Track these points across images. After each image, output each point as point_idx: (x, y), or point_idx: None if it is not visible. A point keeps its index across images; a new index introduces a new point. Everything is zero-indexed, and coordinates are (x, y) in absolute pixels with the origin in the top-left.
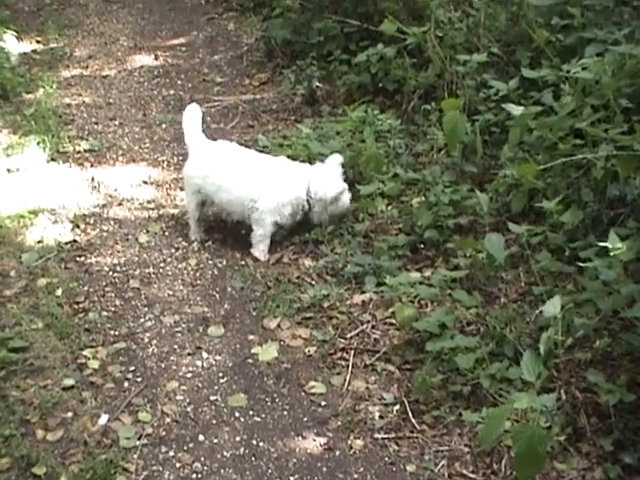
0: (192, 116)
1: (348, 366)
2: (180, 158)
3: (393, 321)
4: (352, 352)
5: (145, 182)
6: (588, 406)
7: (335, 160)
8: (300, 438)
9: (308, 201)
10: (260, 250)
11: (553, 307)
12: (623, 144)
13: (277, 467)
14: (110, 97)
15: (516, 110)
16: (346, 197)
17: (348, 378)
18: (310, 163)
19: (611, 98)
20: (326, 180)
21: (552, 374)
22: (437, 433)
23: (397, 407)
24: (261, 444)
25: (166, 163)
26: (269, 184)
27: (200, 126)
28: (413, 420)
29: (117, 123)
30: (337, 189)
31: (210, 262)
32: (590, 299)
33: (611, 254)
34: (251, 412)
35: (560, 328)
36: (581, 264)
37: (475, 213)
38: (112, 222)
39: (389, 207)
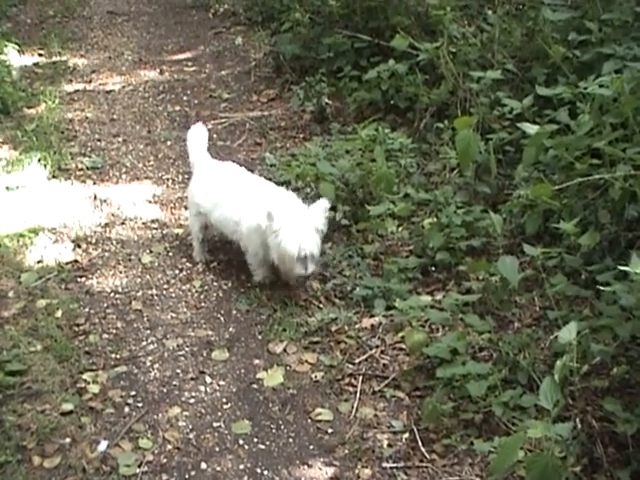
0: (197, 135)
1: (356, 392)
2: (185, 176)
3: (403, 346)
4: (360, 378)
5: (149, 201)
6: (605, 436)
7: (320, 206)
8: (306, 467)
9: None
10: (258, 274)
11: (569, 333)
12: None
13: None
14: (114, 113)
15: (531, 129)
16: (289, 241)
17: (356, 405)
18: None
19: (630, 116)
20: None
21: (567, 402)
22: (447, 462)
23: (406, 435)
24: (265, 473)
25: (171, 181)
26: (250, 206)
27: (205, 145)
28: (423, 449)
29: (121, 140)
30: (267, 219)
31: (215, 284)
32: (607, 325)
33: (633, 279)
34: (255, 439)
35: (576, 354)
36: (598, 288)
37: (488, 235)
38: (114, 242)
39: (400, 228)
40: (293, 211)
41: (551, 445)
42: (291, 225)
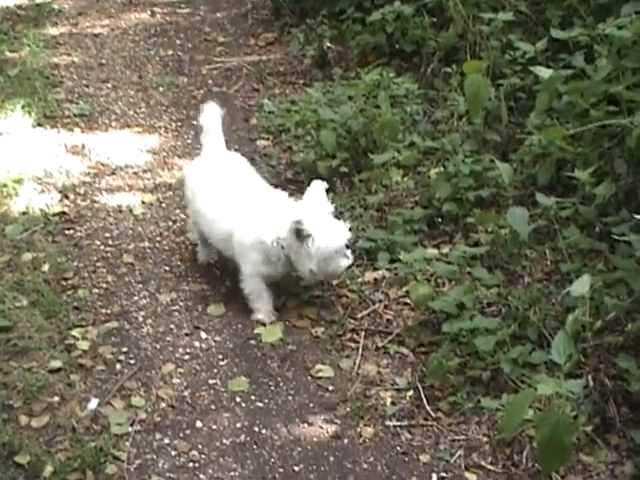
0: (212, 117)
1: (358, 348)
2: (179, 124)
3: (407, 300)
4: (363, 333)
5: (140, 149)
6: (618, 394)
7: (317, 188)
8: (306, 425)
9: (283, 248)
10: (260, 310)
11: (581, 286)
12: None
13: (280, 456)
14: (102, 57)
15: (545, 73)
16: (324, 238)
17: (358, 361)
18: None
19: None
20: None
21: (579, 360)
22: (453, 421)
23: (410, 393)
24: (263, 431)
25: (163, 129)
26: (254, 218)
27: (220, 130)
28: (427, 407)
29: (110, 86)
30: (290, 224)
31: None
32: (622, 278)
33: None
34: (253, 397)
35: (588, 309)
36: (613, 241)
37: (498, 185)
38: (104, 192)
39: (405, 178)
40: (301, 208)
41: (562, 402)
42: (316, 222)
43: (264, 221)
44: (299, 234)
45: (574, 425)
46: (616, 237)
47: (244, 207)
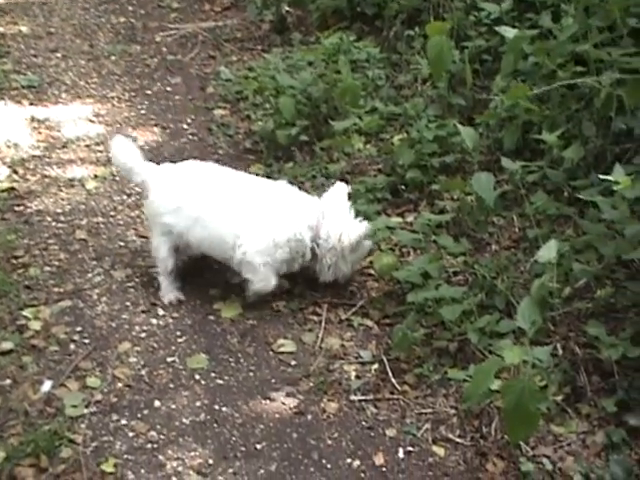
0: (123, 153)
1: (321, 322)
2: (132, 94)
3: (371, 271)
4: (325, 306)
5: (92, 121)
6: (588, 363)
7: (341, 190)
8: (268, 402)
9: (313, 248)
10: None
11: (548, 252)
12: (632, 67)
13: (242, 434)
14: (51, 26)
15: (510, 33)
16: (368, 242)
17: (321, 335)
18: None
19: (618, 18)
20: (343, 220)
21: (548, 328)
22: (420, 394)
23: (375, 366)
24: (224, 409)
25: (116, 99)
26: (259, 216)
27: (140, 157)
28: (393, 380)
29: (59, 55)
30: (359, 232)
31: None
32: (591, 244)
33: (615, 188)
34: (213, 374)
35: (556, 275)
36: (582, 206)
37: (463, 151)
38: (55, 166)
39: (367, 145)
40: (334, 204)
41: (528, 369)
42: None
43: (289, 217)
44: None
45: (540, 393)
46: (583, 198)
47: (250, 208)
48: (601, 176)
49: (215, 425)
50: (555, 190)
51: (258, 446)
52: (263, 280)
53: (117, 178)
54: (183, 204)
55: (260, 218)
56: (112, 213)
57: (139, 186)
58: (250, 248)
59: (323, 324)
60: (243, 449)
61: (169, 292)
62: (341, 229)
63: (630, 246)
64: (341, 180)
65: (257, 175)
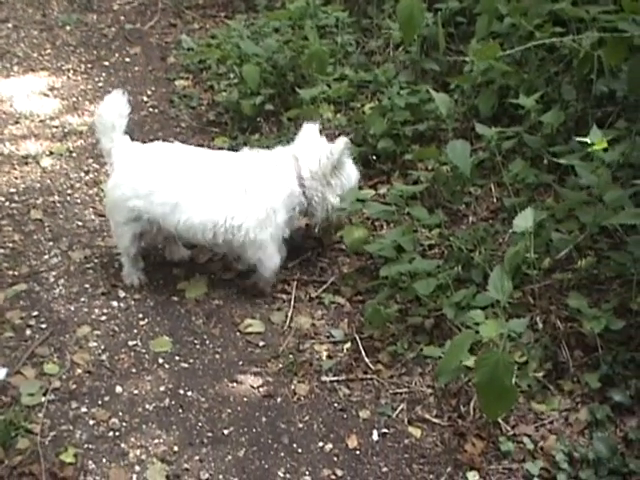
0: (113, 111)
1: (290, 300)
2: (89, 65)
3: (342, 247)
4: (295, 284)
5: (47, 95)
6: (570, 337)
7: (310, 130)
8: (235, 385)
9: (304, 192)
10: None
11: (524, 220)
12: (612, 25)
13: (209, 419)
14: None
15: None
16: (350, 162)
17: (290, 314)
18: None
19: None
20: (318, 147)
21: (528, 301)
22: (395, 373)
23: (348, 345)
24: (189, 393)
25: (72, 72)
26: (246, 189)
27: (124, 125)
28: (366, 359)
29: (10, 25)
30: (337, 147)
31: None
32: (571, 213)
33: (589, 150)
34: (177, 357)
35: (533, 245)
36: (562, 172)
37: (437, 118)
38: (8, 143)
39: (337, 114)
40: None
41: (504, 342)
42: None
43: (273, 177)
44: (342, 158)
45: (515, 365)
46: (562, 163)
47: (238, 176)
48: (577, 138)
49: (180, 410)
50: (534, 157)
51: (225, 431)
52: (272, 255)
53: (74, 154)
54: (156, 188)
55: (248, 190)
56: (69, 191)
57: (105, 154)
58: (250, 223)
59: (292, 302)
60: (210, 435)
61: (132, 274)
62: (318, 154)
63: (610, 213)
64: None
65: (221, 149)
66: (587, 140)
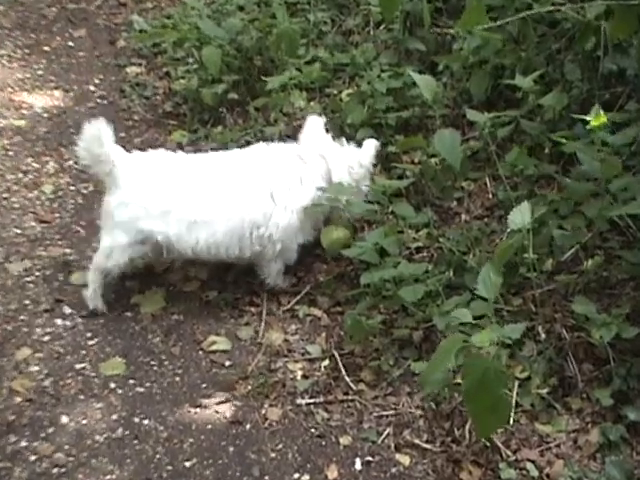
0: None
1: (260, 313)
2: (26, 51)
3: (319, 252)
4: (265, 295)
5: None
6: (578, 348)
7: (317, 125)
8: (198, 410)
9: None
10: (282, 278)
11: (521, 216)
12: None
13: (168, 450)
14: None
15: None
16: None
17: (260, 329)
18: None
19: None
20: (345, 155)
21: (529, 308)
22: (379, 393)
23: (326, 363)
24: (145, 422)
25: (6, 58)
26: (277, 190)
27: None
28: (347, 378)
29: None
30: (369, 151)
31: (72, 188)
32: (577, 209)
33: (592, 131)
34: (132, 381)
35: (532, 243)
36: (566, 161)
37: (424, 105)
38: None
39: (310, 102)
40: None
41: (496, 349)
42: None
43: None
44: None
45: (507, 373)
46: (566, 151)
47: (264, 177)
48: (574, 115)
49: (135, 441)
50: (534, 146)
51: (187, 464)
52: (291, 258)
53: (10, 153)
54: (172, 206)
55: (275, 192)
56: (5, 195)
57: (102, 176)
58: (280, 232)
59: (262, 316)
60: (169, 468)
61: (96, 298)
62: (348, 160)
63: (619, 205)
64: None
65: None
66: (587, 118)
